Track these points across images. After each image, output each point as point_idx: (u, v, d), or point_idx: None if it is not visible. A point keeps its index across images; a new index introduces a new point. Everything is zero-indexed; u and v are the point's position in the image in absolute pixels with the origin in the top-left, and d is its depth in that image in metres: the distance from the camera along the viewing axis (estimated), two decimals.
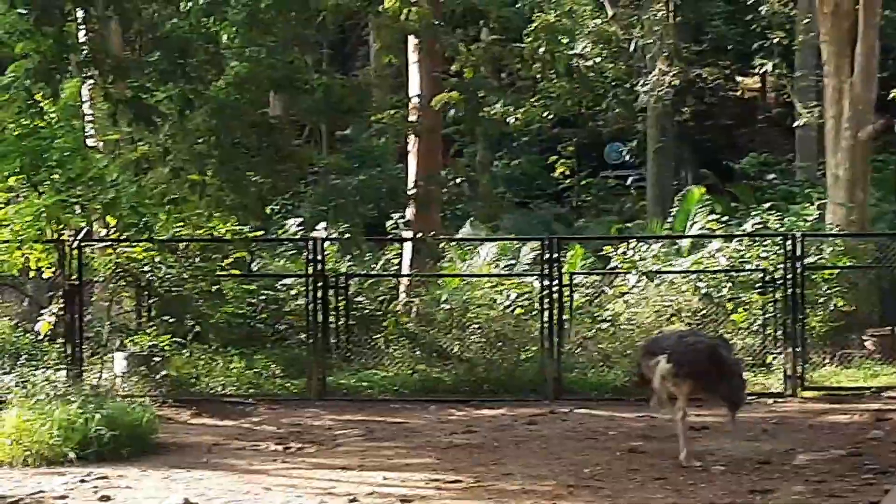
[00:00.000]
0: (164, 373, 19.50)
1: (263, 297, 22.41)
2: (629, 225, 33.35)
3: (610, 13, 34.48)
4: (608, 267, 23.75)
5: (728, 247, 23.04)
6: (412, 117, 25.67)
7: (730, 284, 21.95)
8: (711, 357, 14.17)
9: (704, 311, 21.46)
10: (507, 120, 31.31)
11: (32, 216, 18.06)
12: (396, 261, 25.61)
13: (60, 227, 18.93)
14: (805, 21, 31.45)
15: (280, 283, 23.09)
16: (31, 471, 14.66)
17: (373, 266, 25.98)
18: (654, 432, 16.48)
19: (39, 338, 20.14)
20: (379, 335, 21.55)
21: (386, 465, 14.86)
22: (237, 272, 21.78)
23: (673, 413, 14.52)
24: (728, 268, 22.32)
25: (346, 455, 15.62)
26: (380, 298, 23.12)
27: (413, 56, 25.73)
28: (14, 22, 16.12)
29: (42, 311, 19.89)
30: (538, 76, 30.10)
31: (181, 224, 20.52)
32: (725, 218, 27.60)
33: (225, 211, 20.33)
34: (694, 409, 15.40)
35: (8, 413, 15.52)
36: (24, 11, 15.66)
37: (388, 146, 34.71)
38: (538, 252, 22.22)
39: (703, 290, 21.73)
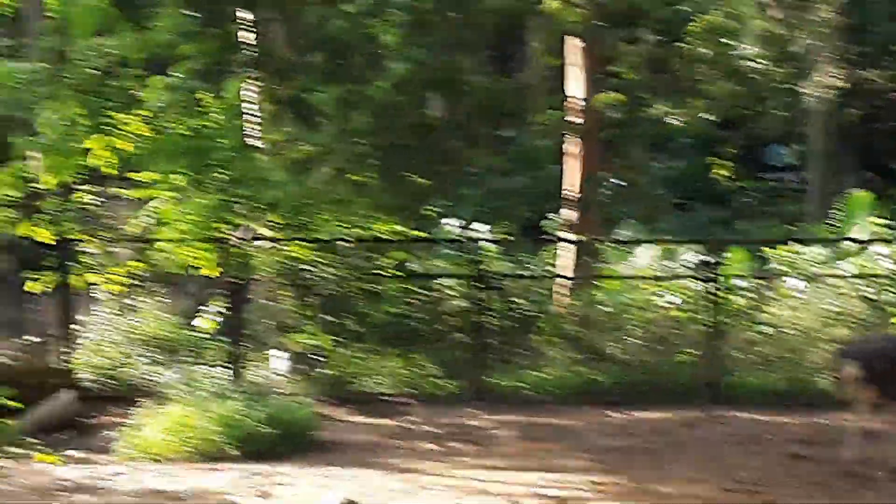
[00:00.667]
0: (323, 371, 19.67)
1: (421, 297, 22.47)
2: (791, 227, 32.80)
3: (773, 14, 33.97)
4: (768, 270, 23.38)
5: (895, 250, 22.54)
6: (570, 118, 25.56)
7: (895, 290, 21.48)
8: None
9: (867, 316, 21.02)
10: (668, 121, 31.03)
11: (196, 215, 18.32)
12: (554, 262, 25.51)
13: (224, 226, 19.18)
14: None
15: (438, 282, 23.14)
16: (191, 466, 14.91)
17: (530, 267, 25.89)
18: (817, 437, 16.20)
19: (201, 335, 20.47)
20: (536, 336, 21.48)
21: (543, 466, 14.82)
22: (396, 272, 21.86)
23: (854, 416, 14.28)
24: (893, 272, 21.84)
25: (502, 455, 15.62)
26: (537, 300, 23.03)
27: (572, 57, 25.62)
28: (180, 24, 16.41)
29: (204, 309, 20.19)
30: (700, 77, 29.77)
31: (342, 224, 20.67)
32: (890, 221, 26.99)
33: (384, 211, 20.45)
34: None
35: (170, 409, 15.79)
36: (192, 14, 15.94)
37: (547, 148, 34.62)
38: (698, 254, 21.95)
39: (868, 295, 21.28)
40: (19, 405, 10.66)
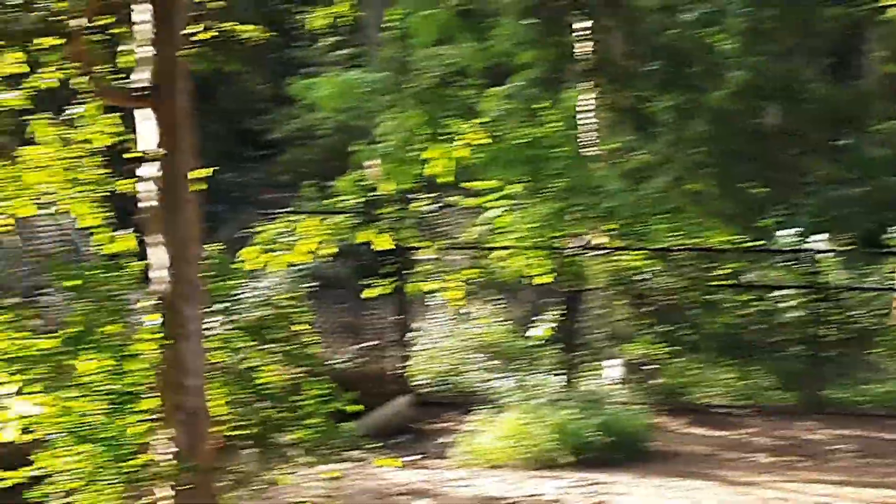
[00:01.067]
0: (657, 381, 19.56)
1: (758, 307, 22.09)
2: None
3: None
4: None
5: None
6: None
7: None
8: None
9: None
10: None
11: (532, 223, 18.46)
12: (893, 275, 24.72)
13: (559, 234, 19.27)
14: None
15: (775, 293, 22.71)
16: (526, 473, 15.01)
17: (869, 279, 25.16)
18: None
19: (536, 343, 20.61)
20: (875, 349, 20.86)
21: (884, 483, 14.37)
22: (731, 282, 21.57)
23: None
24: None
25: (840, 470, 15.22)
26: (877, 312, 22.37)
27: None
28: (520, 32, 16.55)
29: (539, 317, 20.32)
30: None
31: (677, 233, 20.52)
32: None
33: (719, 220, 20.19)
34: None
35: (506, 416, 15.93)
36: (530, 22, 16.06)
37: (885, 157, 33.56)
38: None
39: None
40: (358, 409, 10.93)
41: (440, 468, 15.37)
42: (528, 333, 21.18)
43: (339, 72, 23.45)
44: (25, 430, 10.39)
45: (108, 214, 11.53)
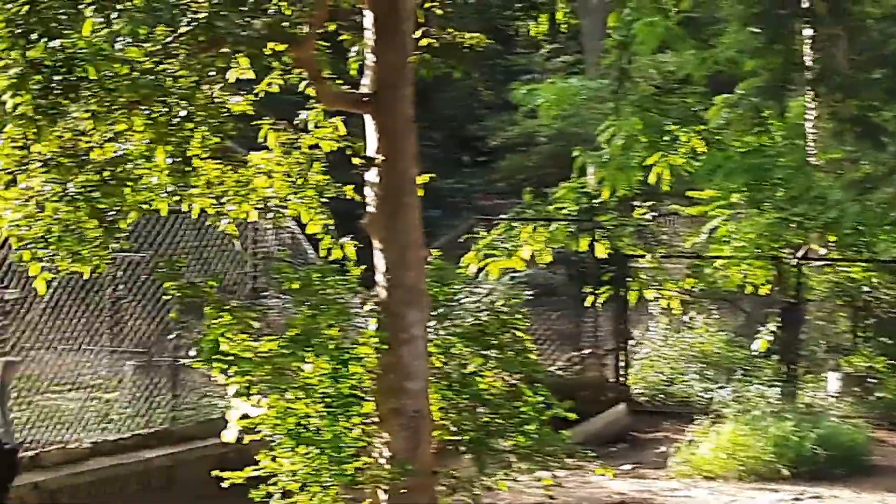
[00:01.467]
0: (878, 395, 19.14)
1: None
2: None
3: None
4: None
5: None
6: None
7: None
8: None
9: None
10: None
11: (753, 233, 18.23)
12: None
13: (779, 244, 18.99)
14: None
15: None
16: (743, 485, 14.85)
17: None
18: None
19: (755, 354, 20.34)
20: None
21: None
22: None
23: None
24: None
25: None
26: None
27: None
28: (746, 40, 16.38)
29: (759, 328, 20.09)
30: None
31: None
32: None
33: None
34: None
35: (723, 427, 15.77)
36: (757, 30, 15.88)
37: None
38: None
39: None
40: (574, 417, 10.95)
41: (656, 478, 15.28)
42: (747, 344, 20.92)
43: (559, 79, 23.49)
44: (248, 431, 10.65)
45: (331, 219, 11.77)
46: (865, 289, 20.08)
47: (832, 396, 19.00)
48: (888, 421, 18.54)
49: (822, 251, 19.94)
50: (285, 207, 11.29)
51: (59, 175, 9.44)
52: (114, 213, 9.88)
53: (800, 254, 19.24)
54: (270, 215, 11.44)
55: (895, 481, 15.33)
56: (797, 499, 14.08)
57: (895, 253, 20.06)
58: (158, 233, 14.10)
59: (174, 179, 10.25)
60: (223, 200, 11.04)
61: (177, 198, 10.83)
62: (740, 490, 14.58)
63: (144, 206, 10.64)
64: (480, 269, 19.62)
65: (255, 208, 11.25)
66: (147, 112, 9.25)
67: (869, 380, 19.28)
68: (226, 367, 10.34)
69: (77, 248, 9.78)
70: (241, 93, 10.46)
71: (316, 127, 11.23)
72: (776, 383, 18.71)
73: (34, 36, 8.56)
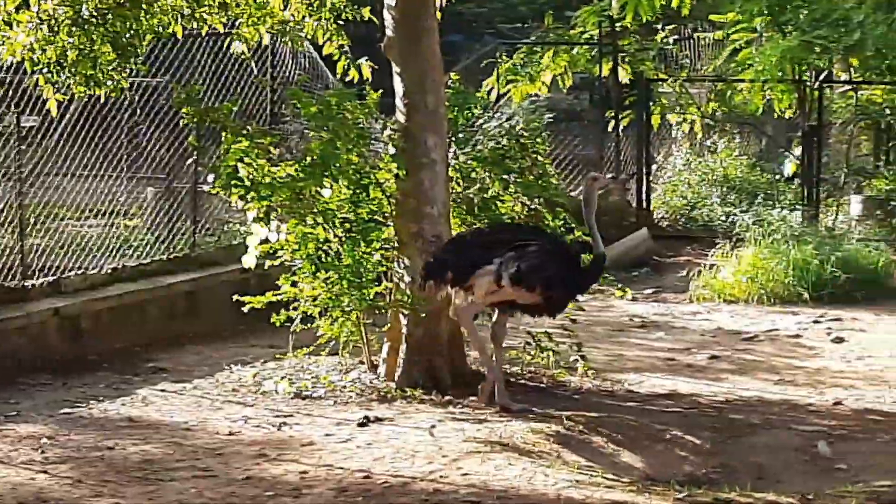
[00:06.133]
0: None
1: None
2: None
3: None
4: None
5: None
6: None
7: None
8: None
9: None
10: None
11: (775, 56, 17.99)
12: None
13: (803, 68, 18.77)
14: None
15: None
16: (765, 308, 14.87)
17: None
18: None
19: (777, 177, 20.27)
20: None
21: None
22: None
23: None
24: None
25: None
26: None
27: None
28: None
29: (781, 152, 19.97)
30: None
31: None
32: None
33: None
34: None
35: (745, 251, 15.76)
36: None
37: None
38: None
39: None
40: None
41: (678, 302, 15.30)
42: (770, 168, 20.83)
43: None
44: (268, 256, 10.68)
45: (346, 41, 11.64)
46: (888, 112, 19.91)
47: (853, 220, 18.93)
48: None
49: (845, 75, 19.70)
50: (301, 29, 11.18)
51: None
52: (129, 36, 9.78)
53: (822, 76, 19.01)
54: (287, 38, 11.33)
55: None
56: (817, 321, 14.09)
57: None
58: (176, 57, 13.95)
59: (189, 2, 10.14)
60: (238, 22, 10.93)
61: (192, 21, 10.73)
62: (761, 313, 14.60)
63: (160, 31, 10.56)
64: (502, 95, 19.50)
65: (270, 32, 11.13)
66: None
67: (890, 203, 19.19)
68: (244, 192, 10.33)
69: (92, 73, 9.70)
70: None
71: None
72: (798, 207, 18.64)
73: None
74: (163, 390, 10.88)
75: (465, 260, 10.01)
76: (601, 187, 11.06)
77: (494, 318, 10.29)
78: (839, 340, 13.19)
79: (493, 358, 10.20)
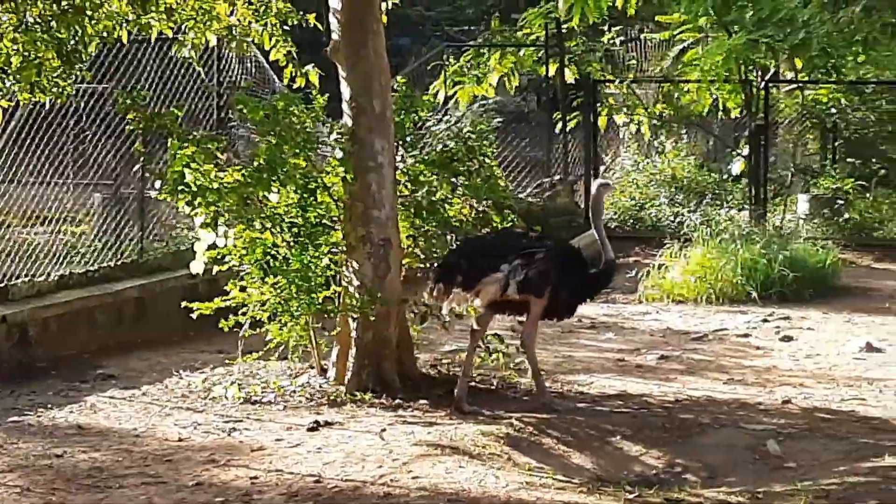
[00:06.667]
0: (846, 216, 19.23)
1: None
2: None
3: None
4: None
5: None
6: None
7: None
8: None
9: None
10: None
11: (721, 56, 18.09)
12: None
13: (749, 67, 18.87)
14: None
15: None
16: (714, 308, 14.95)
17: None
18: None
19: (724, 177, 20.39)
20: None
21: None
22: None
23: None
24: None
25: None
26: None
27: None
28: None
29: (728, 152, 20.07)
30: None
31: (869, 65, 19.95)
32: None
33: None
34: None
35: (693, 251, 15.82)
36: None
37: None
38: None
39: None
40: None
41: (627, 302, 15.35)
42: (717, 168, 20.94)
43: None
44: (217, 262, 10.64)
45: (293, 46, 11.63)
46: (833, 111, 20.06)
47: (801, 218, 19.08)
48: (856, 242, 18.62)
49: (791, 74, 19.84)
50: (248, 34, 11.15)
51: (16, 4, 9.27)
52: (73, 42, 9.73)
53: (768, 76, 19.13)
54: (233, 43, 11.30)
55: (862, 301, 15.47)
56: (766, 320, 14.17)
57: (864, 74, 20.00)
58: (122, 63, 13.89)
59: (134, 8, 10.09)
60: (185, 27, 10.88)
61: (137, 27, 10.68)
62: (709, 313, 14.68)
63: (105, 36, 10.50)
64: (449, 97, 19.53)
65: (217, 35, 11.10)
66: None
67: (837, 201, 19.34)
68: (191, 198, 10.29)
69: (37, 79, 9.64)
70: None
71: None
72: (745, 206, 18.76)
73: None
74: (112, 397, 10.80)
75: (474, 265, 10.23)
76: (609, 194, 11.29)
77: (476, 319, 10.42)
78: (788, 339, 13.27)
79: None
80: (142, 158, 12.81)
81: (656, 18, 20.78)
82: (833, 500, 8.08)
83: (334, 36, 10.71)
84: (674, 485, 8.48)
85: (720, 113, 20.05)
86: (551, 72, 20.27)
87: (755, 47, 18.29)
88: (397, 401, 10.21)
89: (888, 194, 20.30)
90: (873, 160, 20.69)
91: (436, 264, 10.70)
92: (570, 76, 20.29)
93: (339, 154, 10.55)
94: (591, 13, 17.93)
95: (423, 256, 11.10)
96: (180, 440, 9.39)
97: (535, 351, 10.50)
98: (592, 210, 10.85)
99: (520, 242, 10.53)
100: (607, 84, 20.52)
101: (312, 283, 10.40)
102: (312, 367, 10.92)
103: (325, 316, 10.77)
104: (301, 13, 11.47)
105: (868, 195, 19.95)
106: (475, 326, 10.43)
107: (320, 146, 10.76)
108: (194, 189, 10.27)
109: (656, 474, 8.87)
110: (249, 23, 11.13)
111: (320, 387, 10.61)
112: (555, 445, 9.36)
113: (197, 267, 10.75)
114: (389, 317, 10.51)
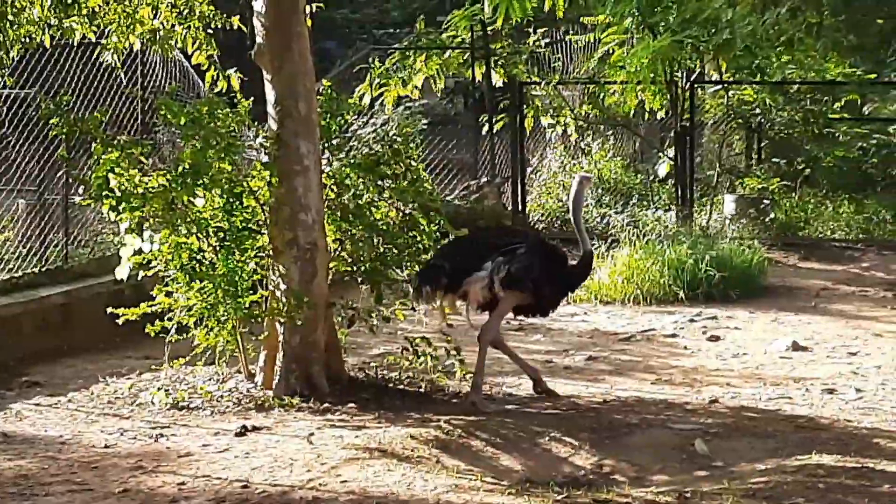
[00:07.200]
0: (772, 216, 19.38)
1: (875, 141, 21.70)
2: None
3: None
4: None
5: None
6: None
7: None
8: None
9: None
10: None
11: (647, 57, 18.16)
12: None
13: (674, 68, 18.97)
14: None
15: (892, 127, 22.29)
16: (641, 309, 15.01)
17: None
18: None
19: (651, 178, 20.49)
20: None
21: None
22: (848, 115, 21.25)
23: None
24: None
25: None
26: None
27: None
28: None
29: (654, 153, 20.14)
30: None
31: (793, 66, 20.12)
32: None
33: (841, 53, 19.76)
34: None
35: (620, 252, 15.90)
36: None
37: None
38: None
39: None
40: None
41: None
42: (643, 169, 21.04)
43: None
44: (142, 267, 10.57)
45: (216, 50, 11.56)
46: (758, 111, 20.20)
47: (727, 219, 19.19)
48: (782, 241, 18.77)
49: (716, 74, 19.96)
50: (171, 37, 11.07)
51: None
52: None
53: (693, 77, 19.23)
54: (157, 47, 11.22)
55: (788, 300, 15.59)
56: (693, 320, 14.25)
57: (789, 74, 20.15)
58: (45, 68, 13.77)
59: (57, 12, 10.00)
60: (107, 31, 10.79)
61: (60, 31, 10.59)
62: (637, 313, 14.74)
63: (27, 41, 10.41)
64: (376, 100, 19.48)
65: (140, 39, 11.01)
66: None
67: (763, 201, 19.48)
68: (115, 203, 10.21)
69: None
70: None
71: None
72: (672, 207, 18.86)
73: None
74: (37, 404, 10.70)
75: (457, 266, 10.40)
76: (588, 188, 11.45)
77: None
78: (715, 339, 13.36)
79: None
80: (66, 164, 12.70)
81: (582, 20, 20.82)
82: (760, 498, 8.12)
83: (259, 39, 10.66)
84: (602, 485, 8.50)
85: (646, 114, 20.13)
86: (478, 75, 20.28)
87: (680, 48, 18.37)
88: (325, 405, 10.19)
89: (813, 194, 20.50)
90: (798, 160, 20.88)
91: (419, 267, 10.79)
92: (498, 79, 20.32)
93: (264, 158, 10.51)
94: (515, 13, 17.94)
95: (350, 260, 11.07)
96: (107, 447, 9.32)
97: (488, 349, 10.58)
98: (573, 203, 10.95)
99: (501, 239, 10.68)
100: (533, 86, 20.54)
101: (239, 288, 10.36)
102: (240, 372, 10.87)
103: (253, 320, 10.72)
104: (225, 15, 11.41)
105: (793, 195, 20.14)
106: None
107: (246, 150, 10.72)
108: (119, 194, 10.20)
109: (585, 475, 8.88)
110: (173, 26, 11.07)
111: (248, 392, 10.56)
112: (483, 447, 9.36)
113: (122, 272, 10.66)
114: (317, 321, 10.48)
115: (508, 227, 11.05)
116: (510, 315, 11.04)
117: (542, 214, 19.78)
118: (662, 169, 20.35)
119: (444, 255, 10.69)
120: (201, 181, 10.23)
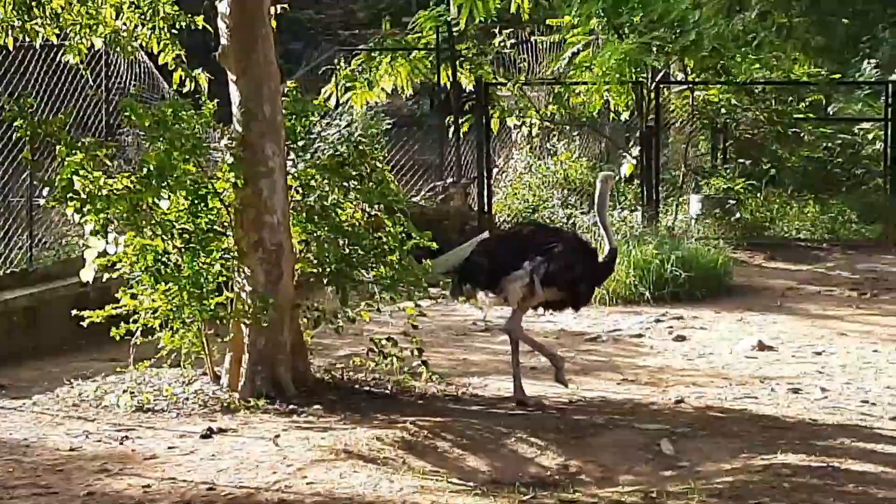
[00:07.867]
0: (737, 216, 19.45)
1: (839, 141, 21.83)
2: None
3: None
4: None
5: None
6: None
7: None
8: None
9: None
10: None
11: (614, 60, 18.21)
12: None
13: (639, 69, 19.02)
14: None
15: (857, 127, 22.43)
16: (608, 309, 15.05)
17: None
18: None
19: (619, 178, 20.53)
20: None
21: None
22: (813, 115, 21.35)
23: None
24: None
25: None
26: None
27: None
28: None
29: (620, 154, 20.19)
30: None
31: (758, 66, 20.20)
32: None
33: (809, 53, 19.86)
34: None
35: None
36: None
37: None
38: None
39: None
40: (437, 246, 10.96)
41: None
42: (615, 170, 21.08)
43: None
44: (107, 269, 10.51)
45: (182, 51, 11.51)
46: (724, 111, 20.27)
47: (693, 219, 19.26)
48: (747, 241, 18.85)
49: (682, 75, 20.03)
50: (135, 38, 11.03)
51: None
52: None
53: (659, 77, 19.29)
54: (119, 48, 11.18)
55: (754, 300, 15.66)
56: (659, 320, 14.29)
57: (753, 74, 20.23)
58: (8, 70, 13.71)
59: (20, 14, 9.95)
60: (70, 32, 10.74)
61: (23, 33, 10.54)
62: (603, 314, 14.76)
63: None
64: (340, 102, 19.46)
65: (102, 39, 10.96)
66: None
67: (728, 201, 19.55)
68: (80, 205, 10.15)
69: None
70: None
71: None
72: (638, 207, 18.90)
73: None
74: (1, 407, 10.63)
75: (496, 264, 10.56)
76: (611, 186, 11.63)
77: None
78: (681, 339, 13.40)
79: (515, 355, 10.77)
80: (30, 166, 12.63)
81: (547, 21, 20.86)
82: (726, 497, 8.13)
83: (223, 40, 10.63)
84: (568, 485, 8.49)
85: (612, 115, 20.18)
86: (444, 76, 20.28)
87: (647, 49, 18.43)
88: (291, 406, 10.16)
89: (778, 194, 20.59)
90: (763, 160, 20.97)
91: (459, 265, 10.82)
92: (466, 81, 20.33)
93: (229, 159, 10.47)
94: (479, 13, 17.95)
95: (315, 261, 11.04)
96: (72, 450, 9.26)
97: (524, 334, 10.91)
98: (598, 202, 11.06)
99: (539, 238, 10.84)
100: (499, 87, 20.56)
101: (204, 290, 10.32)
102: (206, 374, 10.83)
103: (218, 322, 10.68)
104: (190, 16, 11.37)
105: (759, 195, 20.21)
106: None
107: (211, 152, 10.68)
108: (83, 196, 10.14)
109: (551, 475, 8.87)
110: (136, 26, 11.02)
111: (213, 394, 10.52)
112: (450, 448, 9.34)
113: (87, 275, 10.60)
114: (282, 322, 10.46)
115: (545, 225, 11.27)
116: (534, 311, 11.17)
117: (509, 215, 19.80)
118: (625, 169, 20.38)
119: (483, 253, 10.76)
120: (166, 183, 10.18)
